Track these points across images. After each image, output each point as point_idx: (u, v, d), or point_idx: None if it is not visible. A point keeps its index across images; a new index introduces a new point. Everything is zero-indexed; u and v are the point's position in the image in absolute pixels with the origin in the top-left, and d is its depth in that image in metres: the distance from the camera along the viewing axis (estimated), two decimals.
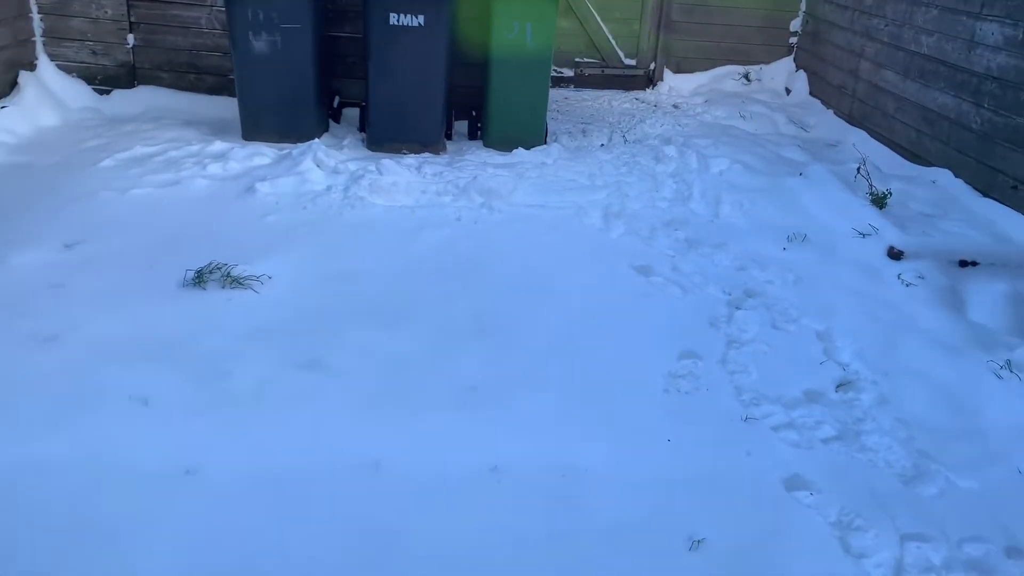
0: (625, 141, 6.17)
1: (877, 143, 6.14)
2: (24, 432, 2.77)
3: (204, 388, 3.05)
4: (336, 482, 2.65)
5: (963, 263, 4.22)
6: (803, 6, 7.62)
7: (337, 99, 6.29)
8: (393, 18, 5.35)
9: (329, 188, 4.90)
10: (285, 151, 5.39)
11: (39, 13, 6.21)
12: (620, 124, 6.65)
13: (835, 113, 6.90)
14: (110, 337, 3.31)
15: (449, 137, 6.02)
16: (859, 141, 6.16)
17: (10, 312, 3.45)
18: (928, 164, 5.52)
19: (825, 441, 3.02)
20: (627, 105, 7.31)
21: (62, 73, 6.31)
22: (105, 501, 2.51)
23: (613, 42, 7.70)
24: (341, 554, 2.38)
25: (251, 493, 2.58)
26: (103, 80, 6.39)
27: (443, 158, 5.60)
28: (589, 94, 7.66)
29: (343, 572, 2.33)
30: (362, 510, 2.54)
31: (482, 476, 2.71)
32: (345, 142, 5.80)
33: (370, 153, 5.63)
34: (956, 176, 5.21)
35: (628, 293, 3.98)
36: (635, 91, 7.79)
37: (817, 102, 7.24)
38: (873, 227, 4.53)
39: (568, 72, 7.75)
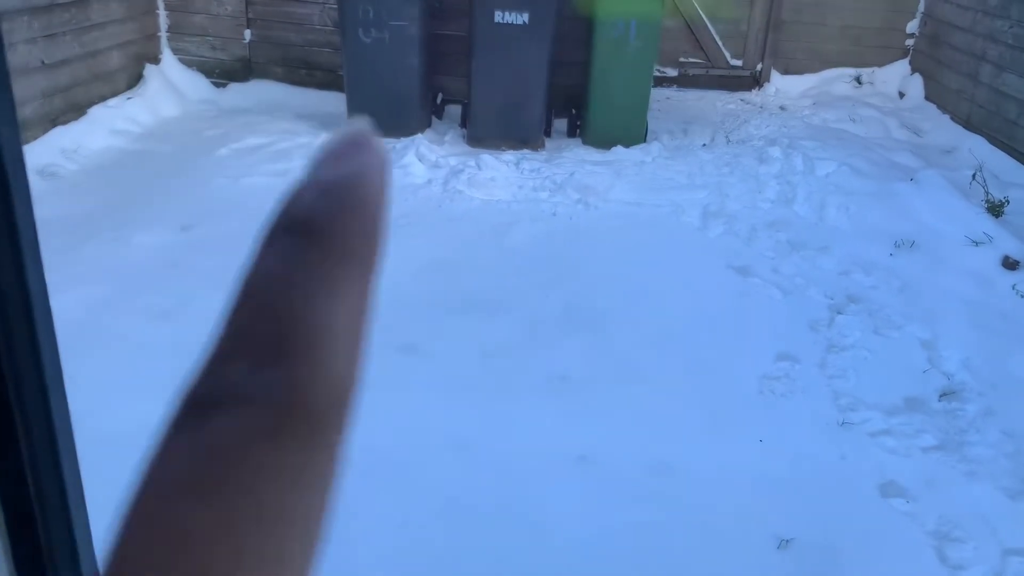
0: (728, 141, 6.08)
1: (996, 150, 5.86)
2: (142, 398, 2.92)
3: None
4: (426, 461, 2.71)
5: None
6: (921, 7, 7.33)
7: (440, 96, 6.41)
8: (498, 16, 5.42)
9: (430, 181, 5.01)
10: (389, 145, 5.53)
11: (165, 9, 6.55)
12: (723, 124, 6.55)
13: (952, 118, 6.61)
14: (219, 314, 3.47)
15: (548, 135, 6.06)
16: (976, 147, 5.89)
17: (131, 287, 3.67)
18: None
19: (925, 450, 2.91)
20: (732, 106, 7.19)
21: (183, 66, 6.64)
22: None
23: (719, 42, 7.59)
24: (428, 525, 2.45)
25: (345, 467, 2.67)
26: (220, 74, 6.70)
27: (541, 155, 5.64)
28: (693, 94, 7.57)
29: (429, 541, 2.39)
30: (450, 488, 2.60)
31: (569, 464, 2.73)
32: (446, 137, 5.91)
33: (470, 149, 5.71)
34: None
35: (725, 293, 3.93)
36: (740, 92, 7.65)
37: (932, 107, 6.96)
38: (988, 235, 4.34)
39: (672, 72, 7.67)
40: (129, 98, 6.04)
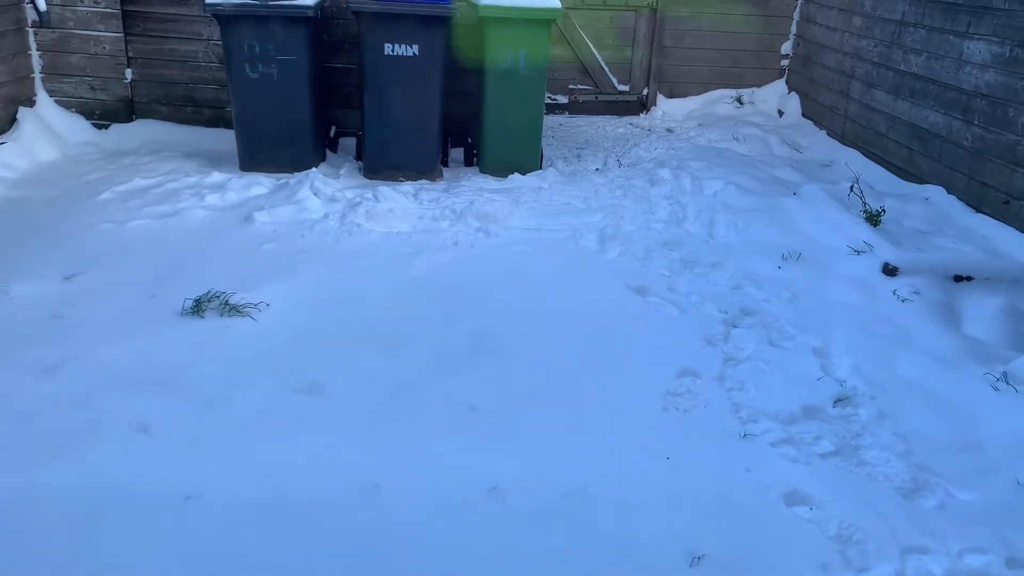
0: (620, 165, 6.22)
1: (870, 162, 6.19)
2: (27, 461, 2.77)
3: (204, 415, 3.06)
4: (336, 505, 2.65)
5: (958, 278, 4.24)
6: (794, 29, 7.71)
7: (334, 129, 6.35)
8: (388, 48, 5.42)
9: (326, 216, 4.94)
10: (282, 181, 5.44)
11: (38, 50, 6.28)
12: (615, 148, 6.71)
13: (828, 134, 6.96)
14: (110, 366, 3.33)
15: (445, 164, 6.08)
16: (852, 160, 6.21)
17: (13, 342, 3.47)
18: (921, 182, 5.57)
19: (824, 456, 3.02)
20: (621, 130, 7.37)
21: (61, 108, 6.38)
22: (106, 529, 2.51)
23: (606, 68, 7.78)
24: (342, 572, 2.38)
25: (251, 518, 2.59)
26: (102, 115, 6.46)
27: (439, 184, 5.65)
28: (583, 120, 7.73)
29: None
30: (362, 532, 2.55)
31: (482, 496, 2.71)
32: (342, 171, 5.85)
33: (367, 181, 5.67)
34: (949, 192, 5.25)
35: (625, 313, 4.00)
36: (629, 116, 7.86)
37: (810, 123, 7.31)
38: (868, 244, 4.55)
39: (562, 99, 7.82)
40: (2, 143, 5.75)
